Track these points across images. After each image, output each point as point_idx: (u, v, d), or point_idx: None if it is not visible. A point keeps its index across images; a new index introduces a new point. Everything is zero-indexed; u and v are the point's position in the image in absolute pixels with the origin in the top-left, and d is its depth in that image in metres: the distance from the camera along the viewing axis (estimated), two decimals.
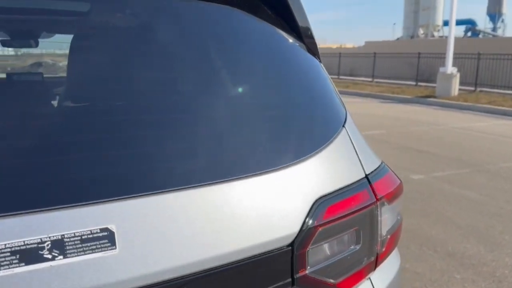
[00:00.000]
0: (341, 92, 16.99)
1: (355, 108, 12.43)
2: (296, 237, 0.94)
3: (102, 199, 0.78)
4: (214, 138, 0.98)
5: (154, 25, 1.09)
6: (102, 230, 0.76)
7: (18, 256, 0.70)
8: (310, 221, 0.96)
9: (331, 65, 24.05)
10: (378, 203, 1.09)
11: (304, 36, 1.26)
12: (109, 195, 0.79)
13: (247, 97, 1.11)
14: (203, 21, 1.12)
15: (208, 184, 0.88)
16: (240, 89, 1.11)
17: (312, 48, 1.30)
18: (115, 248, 0.77)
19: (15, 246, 0.70)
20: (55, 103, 1.12)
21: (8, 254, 0.69)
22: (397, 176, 1.27)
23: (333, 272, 1.01)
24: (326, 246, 1.00)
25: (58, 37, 2.92)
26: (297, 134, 1.10)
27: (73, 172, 0.82)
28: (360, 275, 1.08)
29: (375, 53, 21.16)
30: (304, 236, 0.94)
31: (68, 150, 0.84)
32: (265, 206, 0.92)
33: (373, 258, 1.10)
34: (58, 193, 0.78)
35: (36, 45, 2.90)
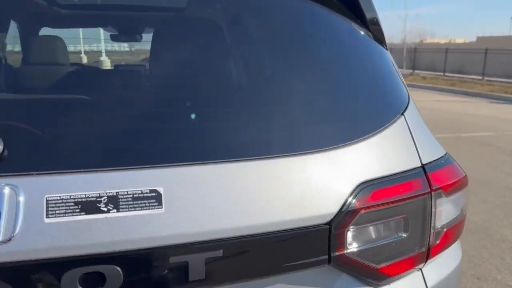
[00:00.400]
0: (445, 91, 16.42)
1: (460, 107, 11.60)
2: (334, 217, 0.97)
3: (154, 164, 0.89)
4: (272, 115, 1.07)
5: (241, 19, 1.28)
6: (151, 191, 0.86)
7: (79, 206, 0.83)
8: (352, 203, 0.98)
9: (436, 62, 22.63)
10: (433, 193, 1.06)
11: (370, 23, 1.29)
12: (160, 162, 0.90)
13: (310, 78, 1.18)
14: (283, 12, 1.26)
15: (256, 158, 0.95)
16: (304, 71, 1.19)
17: (378, 36, 1.31)
18: (162, 208, 0.86)
19: (78, 198, 0.83)
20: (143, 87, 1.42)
21: (72, 204, 0.83)
22: (462, 169, 1.21)
23: (375, 256, 1.02)
24: (368, 230, 1.02)
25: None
26: (351, 117, 1.13)
27: (136, 140, 0.96)
28: (407, 265, 1.07)
29: (486, 49, 19.46)
30: (344, 217, 0.97)
31: (140, 124, 0.99)
32: (308, 184, 0.96)
33: (424, 250, 1.08)
34: (118, 157, 0.91)
35: (140, 39, 3.20)
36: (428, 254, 1.09)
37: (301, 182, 0.96)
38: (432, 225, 1.07)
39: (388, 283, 1.06)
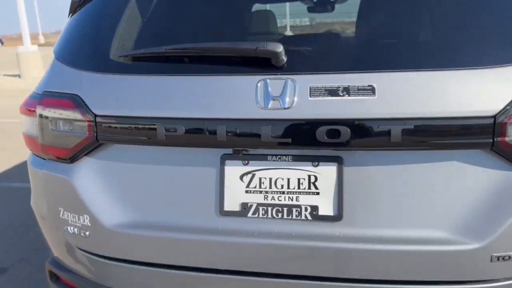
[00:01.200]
0: None
1: None
2: (499, 112, 1.22)
3: (372, 69, 1.30)
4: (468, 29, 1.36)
5: None
6: (368, 86, 1.28)
7: (327, 92, 1.29)
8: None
9: None
10: None
11: None
12: (376, 68, 1.31)
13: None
14: None
15: (443, 69, 1.26)
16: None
17: None
18: (375, 96, 1.27)
19: (327, 87, 1.30)
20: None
21: (323, 90, 1.30)
22: None
23: None
24: None
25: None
26: None
27: (361, 57, 1.40)
28: None
29: None
30: (507, 113, 1.22)
31: (365, 48, 1.49)
32: (484, 87, 1.24)
33: None
34: (351, 65, 1.34)
35: (332, 9, 4.01)
36: None
37: (479, 86, 1.24)
38: None
39: None
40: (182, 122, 1.37)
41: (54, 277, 1.75)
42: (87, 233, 1.52)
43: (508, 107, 1.22)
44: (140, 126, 1.42)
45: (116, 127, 1.46)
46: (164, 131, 1.38)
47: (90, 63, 1.56)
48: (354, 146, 1.29)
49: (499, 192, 1.26)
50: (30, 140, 1.66)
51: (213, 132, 1.34)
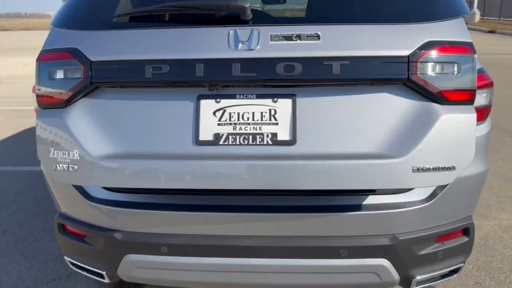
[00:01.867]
0: None
1: None
2: (411, 53, 1.59)
3: (316, 23, 1.68)
4: None
5: None
6: (315, 34, 1.64)
7: (282, 37, 1.65)
8: (421, 51, 1.60)
9: None
10: (475, 56, 1.63)
11: None
12: (319, 21, 1.70)
13: None
14: None
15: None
16: None
17: None
18: (319, 41, 1.63)
19: (282, 35, 1.64)
20: None
21: (280, 36, 1.64)
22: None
23: (437, 82, 1.60)
24: (434, 66, 1.61)
25: None
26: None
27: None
28: (463, 96, 1.62)
29: None
30: (416, 55, 1.59)
31: None
32: (402, 35, 1.64)
33: (474, 89, 1.63)
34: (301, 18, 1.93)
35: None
36: (473, 96, 1.64)
37: (398, 36, 1.64)
38: (475, 73, 1.63)
39: (447, 105, 1.61)
40: (167, 62, 1.65)
41: (62, 228, 2.06)
42: (76, 167, 1.70)
43: (417, 51, 1.59)
44: (130, 67, 1.68)
45: (108, 70, 1.71)
46: (151, 70, 1.65)
47: (86, 23, 1.83)
48: (304, 79, 1.61)
49: (415, 118, 1.61)
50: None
51: (193, 69, 1.63)
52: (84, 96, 1.75)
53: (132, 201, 1.83)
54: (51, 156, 1.73)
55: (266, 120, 1.67)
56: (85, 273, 2.07)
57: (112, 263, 1.90)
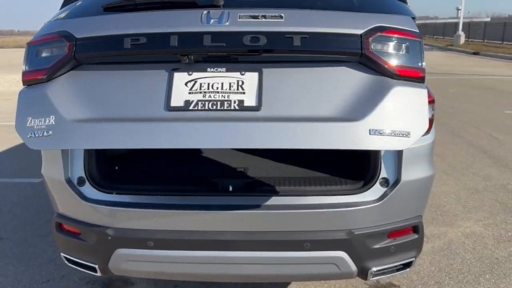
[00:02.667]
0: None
1: None
2: (363, 32, 1.84)
3: (280, 7, 1.94)
4: None
5: None
6: (278, 14, 1.87)
7: (249, 16, 1.86)
8: (373, 31, 1.85)
9: None
10: (421, 41, 1.89)
11: None
12: (283, 6, 1.97)
13: None
14: None
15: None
16: None
17: None
18: (282, 20, 1.86)
19: (249, 15, 1.86)
20: None
21: (248, 16, 1.86)
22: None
23: (388, 58, 1.84)
24: (384, 44, 1.85)
25: None
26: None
27: None
28: (413, 74, 1.84)
29: None
30: (368, 34, 1.84)
31: None
32: (355, 18, 1.92)
33: (423, 68, 1.87)
34: (266, 2, 2.12)
35: None
36: (423, 75, 1.86)
37: (353, 18, 1.92)
38: (422, 57, 1.89)
39: (399, 79, 1.82)
40: (144, 35, 1.84)
41: (59, 227, 2.27)
42: (50, 132, 1.78)
43: (368, 31, 1.83)
44: (111, 41, 1.88)
45: (92, 44, 1.90)
46: (129, 41, 1.84)
47: (74, 14, 2.10)
48: (269, 49, 1.82)
49: (370, 89, 1.81)
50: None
51: (168, 40, 1.82)
52: (66, 72, 1.94)
53: (123, 201, 2.07)
54: (27, 125, 1.81)
55: (234, 90, 1.83)
56: (78, 267, 2.29)
57: (104, 257, 2.14)
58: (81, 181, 2.16)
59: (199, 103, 1.81)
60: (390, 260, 2.13)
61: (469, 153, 5.71)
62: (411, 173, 2.05)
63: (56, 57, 1.94)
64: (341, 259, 2.03)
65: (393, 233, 2.10)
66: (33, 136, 1.79)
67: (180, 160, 2.66)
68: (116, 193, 2.09)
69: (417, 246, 2.20)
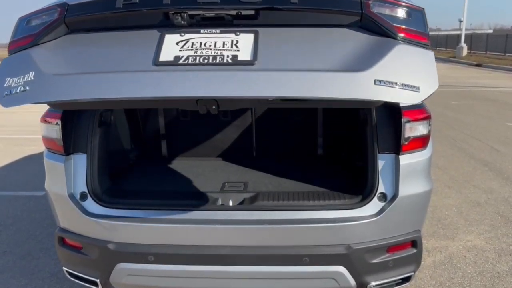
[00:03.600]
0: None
1: None
2: None
3: None
4: None
5: None
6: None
7: None
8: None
9: None
10: (424, 11, 1.87)
11: None
12: None
13: None
14: None
15: None
16: None
17: None
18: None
19: None
20: None
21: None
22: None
23: (390, 19, 1.81)
24: (386, 7, 1.83)
25: None
26: None
27: None
28: (417, 37, 1.80)
29: None
30: None
31: None
32: None
33: (427, 33, 1.83)
34: None
35: None
36: (428, 40, 1.82)
37: None
38: None
39: (404, 40, 1.78)
40: None
41: (61, 241, 2.32)
42: (27, 87, 1.68)
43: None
44: (103, 2, 1.87)
45: (82, 7, 1.89)
46: (122, 1, 1.81)
47: None
48: (266, 7, 1.77)
49: (371, 46, 1.75)
50: None
51: None
52: (53, 39, 1.91)
53: (124, 216, 2.11)
54: (5, 85, 1.72)
55: (228, 48, 1.74)
56: (80, 281, 2.32)
57: (105, 271, 2.16)
58: (83, 196, 2.20)
59: (190, 58, 1.71)
60: (389, 275, 2.15)
61: (470, 165, 5.72)
62: (409, 188, 2.08)
63: (45, 23, 1.92)
64: (340, 274, 2.04)
65: (391, 248, 2.12)
66: (9, 93, 1.69)
67: (181, 175, 2.69)
68: (118, 208, 2.13)
69: (416, 260, 2.21)
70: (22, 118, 9.18)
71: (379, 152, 2.10)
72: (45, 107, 2.43)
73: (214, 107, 1.81)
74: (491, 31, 32.49)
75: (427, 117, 2.13)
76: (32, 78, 1.69)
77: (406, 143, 2.07)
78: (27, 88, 1.67)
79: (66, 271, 2.35)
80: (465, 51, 28.24)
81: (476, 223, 4.02)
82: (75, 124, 2.28)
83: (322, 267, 2.04)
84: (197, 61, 1.69)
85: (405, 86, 1.62)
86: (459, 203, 4.49)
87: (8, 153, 6.63)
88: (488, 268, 3.24)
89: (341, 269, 2.04)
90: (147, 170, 2.81)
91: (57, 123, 2.22)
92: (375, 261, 2.08)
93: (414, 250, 2.18)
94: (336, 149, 3.08)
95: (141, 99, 1.73)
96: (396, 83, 1.61)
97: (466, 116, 9.08)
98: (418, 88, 1.63)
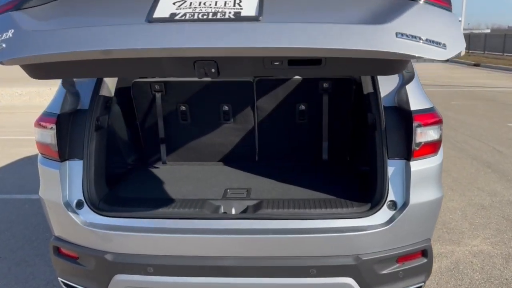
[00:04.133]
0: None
1: None
2: None
3: None
4: None
5: None
6: None
7: None
8: None
9: None
10: None
11: None
12: None
13: None
14: None
15: None
16: None
17: None
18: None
19: None
20: None
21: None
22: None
23: None
24: None
25: None
26: None
27: None
28: (442, 2, 1.63)
29: None
30: None
31: None
32: None
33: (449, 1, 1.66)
34: None
35: None
36: (450, 5, 1.65)
37: None
38: None
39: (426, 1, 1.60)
40: None
41: (57, 250, 2.23)
42: (4, 45, 1.55)
43: None
44: None
45: None
46: None
47: None
48: None
49: (390, 1, 1.60)
50: None
51: None
52: (38, 4, 1.72)
53: (122, 225, 2.02)
54: None
55: (230, 6, 1.58)
56: None
57: (102, 283, 2.07)
58: (79, 204, 2.11)
59: (187, 14, 1.54)
60: (399, 286, 2.07)
61: (473, 167, 5.65)
62: (420, 195, 2.00)
63: None
64: (349, 286, 1.96)
65: (401, 258, 2.04)
66: None
67: (181, 181, 2.60)
68: (115, 217, 2.04)
69: (426, 270, 2.13)
70: (22, 118, 9.07)
71: (388, 158, 2.01)
72: (43, 109, 2.34)
73: (213, 70, 1.63)
74: (488, 30, 32.49)
75: (439, 121, 2.05)
76: (11, 35, 1.57)
77: (417, 148, 1.99)
78: (3, 45, 1.55)
79: (62, 281, 2.26)
80: (463, 51, 28.24)
81: (481, 227, 3.94)
82: (71, 128, 2.19)
83: (330, 279, 1.95)
84: (195, 17, 1.53)
85: (430, 41, 1.51)
86: (463, 206, 4.42)
87: (5, 155, 6.52)
88: (496, 274, 3.16)
89: (349, 280, 1.96)
90: (146, 176, 2.72)
91: (51, 128, 2.13)
92: (384, 272, 2.00)
93: (425, 260, 2.10)
94: (342, 154, 2.99)
95: (130, 51, 1.51)
96: (420, 38, 1.50)
97: (467, 116, 9.02)
98: (445, 45, 1.51)
